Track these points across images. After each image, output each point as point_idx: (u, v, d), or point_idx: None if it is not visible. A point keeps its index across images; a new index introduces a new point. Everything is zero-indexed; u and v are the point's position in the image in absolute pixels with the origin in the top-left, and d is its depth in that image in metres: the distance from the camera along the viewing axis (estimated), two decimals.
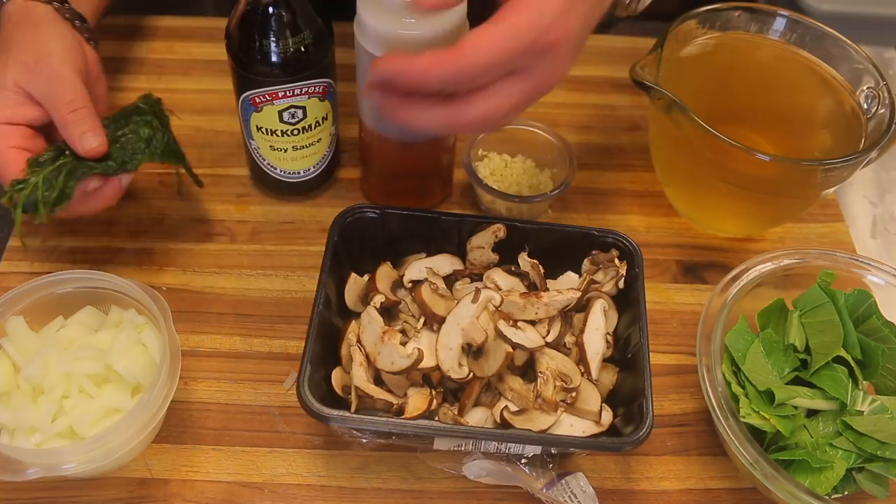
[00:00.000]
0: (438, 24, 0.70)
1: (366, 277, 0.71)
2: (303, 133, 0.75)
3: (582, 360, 0.66)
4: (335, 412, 0.60)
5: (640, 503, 0.67)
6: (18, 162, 0.65)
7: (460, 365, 0.64)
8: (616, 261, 0.70)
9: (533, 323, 0.67)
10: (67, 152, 0.66)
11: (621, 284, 0.70)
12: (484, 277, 0.71)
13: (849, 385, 0.64)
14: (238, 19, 0.70)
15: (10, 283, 0.74)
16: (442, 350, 0.64)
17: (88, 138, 0.64)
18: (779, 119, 0.83)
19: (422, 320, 0.67)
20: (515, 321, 0.66)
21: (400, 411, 0.62)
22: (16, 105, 0.66)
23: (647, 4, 0.62)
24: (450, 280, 0.72)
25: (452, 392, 0.67)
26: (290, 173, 0.79)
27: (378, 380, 0.65)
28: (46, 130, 0.69)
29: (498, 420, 0.63)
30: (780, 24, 0.82)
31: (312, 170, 0.80)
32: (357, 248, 0.71)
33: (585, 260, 0.72)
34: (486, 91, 0.56)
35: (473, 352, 0.65)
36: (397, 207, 0.71)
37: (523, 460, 0.66)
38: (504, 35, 0.53)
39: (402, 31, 0.70)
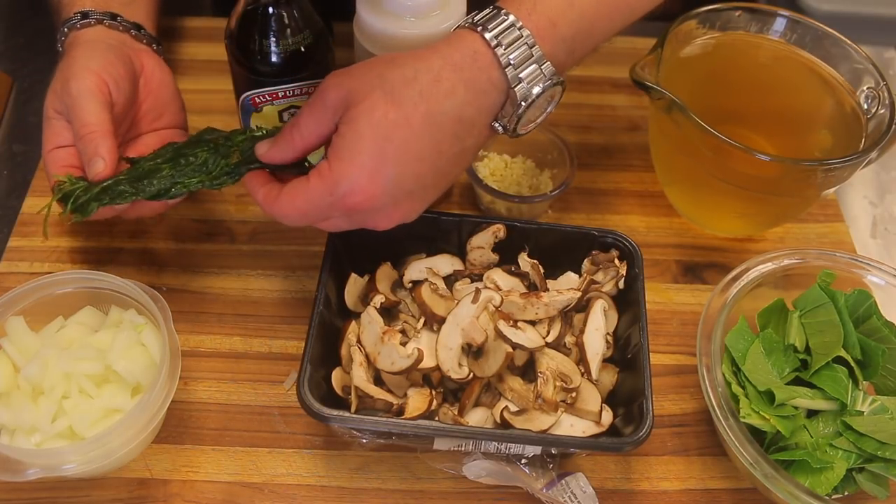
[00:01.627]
0: (438, 24, 0.71)
1: (366, 277, 0.71)
2: None
3: (582, 361, 0.66)
4: (335, 412, 0.60)
5: (639, 503, 0.67)
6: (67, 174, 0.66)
7: (460, 365, 0.64)
8: (616, 261, 0.70)
9: (533, 323, 0.67)
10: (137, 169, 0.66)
11: (621, 284, 0.70)
12: (484, 277, 0.71)
13: (849, 385, 0.64)
14: (238, 19, 0.70)
15: (10, 283, 0.74)
16: (442, 350, 0.64)
17: (94, 163, 0.64)
18: (779, 119, 0.83)
19: (422, 320, 0.68)
20: (515, 321, 0.66)
21: (400, 411, 0.62)
22: (62, 130, 0.67)
23: (530, 129, 0.64)
24: (450, 280, 0.72)
25: (452, 392, 0.67)
26: None
27: (378, 380, 0.65)
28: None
29: (498, 420, 0.63)
30: (780, 24, 0.82)
31: None
32: (357, 248, 0.71)
33: (585, 260, 0.72)
34: (321, 222, 0.62)
35: (473, 352, 0.65)
36: None
37: (523, 460, 0.66)
38: (304, 197, 0.60)
39: (402, 31, 0.70)
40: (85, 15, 0.72)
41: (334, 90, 0.59)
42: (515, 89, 0.59)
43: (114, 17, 0.73)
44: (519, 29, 0.58)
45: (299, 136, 0.61)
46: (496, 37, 0.58)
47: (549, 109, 0.63)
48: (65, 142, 0.67)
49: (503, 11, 0.59)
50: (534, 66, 0.59)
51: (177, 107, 0.75)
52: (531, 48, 0.59)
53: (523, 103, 0.59)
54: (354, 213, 0.60)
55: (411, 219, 0.63)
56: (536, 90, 0.59)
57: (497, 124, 0.62)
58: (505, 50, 0.58)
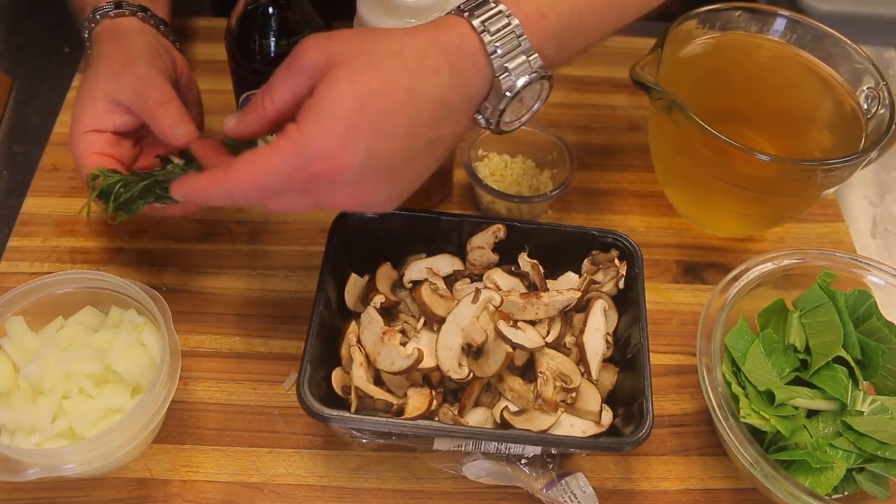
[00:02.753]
0: None
1: (366, 278, 0.71)
2: None
3: (582, 361, 0.66)
4: (335, 412, 0.60)
5: (639, 503, 0.67)
6: (98, 165, 0.67)
7: (460, 365, 0.64)
8: (616, 261, 0.70)
9: (533, 323, 0.67)
10: (168, 166, 0.66)
11: (621, 284, 0.70)
12: (484, 278, 0.71)
13: (849, 385, 0.64)
14: (238, 19, 0.70)
15: (10, 283, 0.74)
16: (442, 350, 0.64)
17: (178, 127, 0.64)
18: (779, 119, 0.83)
19: (422, 320, 0.68)
20: (515, 321, 0.66)
21: (400, 411, 0.62)
22: (104, 114, 0.67)
23: (517, 127, 0.61)
24: (450, 280, 0.72)
25: (452, 392, 0.67)
26: None
27: (378, 380, 0.65)
28: (135, 136, 0.71)
29: (498, 420, 0.63)
30: (780, 24, 0.82)
31: None
32: (357, 248, 0.71)
33: (585, 260, 0.72)
34: (276, 198, 0.57)
35: (473, 352, 0.65)
36: (397, 207, 0.71)
37: (523, 460, 0.66)
38: (265, 163, 0.54)
39: None
40: (118, 4, 0.72)
41: (314, 52, 0.56)
42: (500, 79, 0.57)
43: (144, 9, 0.74)
44: (507, 17, 0.57)
45: (270, 103, 0.57)
46: (483, 23, 0.57)
47: (535, 107, 0.62)
48: (102, 126, 0.67)
49: (492, 0, 0.58)
50: (521, 56, 0.57)
51: (199, 108, 0.76)
52: (519, 38, 0.57)
53: (508, 94, 0.57)
54: (316, 183, 0.55)
55: (371, 206, 0.59)
56: (522, 81, 0.57)
57: (480, 116, 0.59)
58: (492, 37, 0.56)
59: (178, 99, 0.67)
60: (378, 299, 0.68)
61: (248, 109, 0.58)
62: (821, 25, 0.80)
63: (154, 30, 0.74)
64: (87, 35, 0.74)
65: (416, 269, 0.71)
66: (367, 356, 0.65)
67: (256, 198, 0.57)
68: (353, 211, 0.59)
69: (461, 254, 0.73)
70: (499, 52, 0.57)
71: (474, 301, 0.65)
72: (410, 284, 0.71)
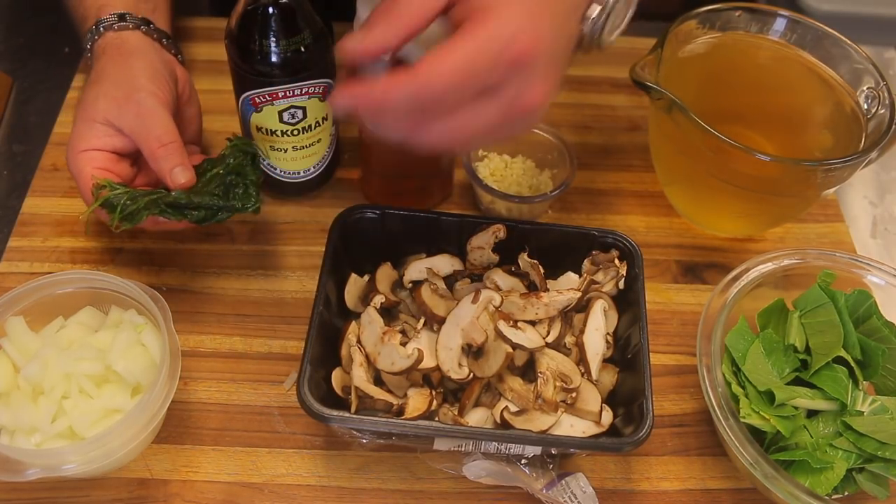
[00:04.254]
0: (438, 22, 0.70)
1: (366, 278, 0.71)
2: (303, 133, 0.75)
3: (582, 361, 0.67)
4: (335, 412, 0.60)
5: (639, 503, 0.67)
6: (103, 178, 0.68)
7: (460, 365, 0.64)
8: (616, 261, 0.70)
9: (533, 323, 0.67)
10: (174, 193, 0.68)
11: (621, 285, 0.70)
12: (484, 278, 0.71)
13: (849, 385, 0.64)
14: (238, 19, 0.70)
15: (10, 283, 0.74)
16: (442, 350, 0.64)
17: (177, 174, 0.66)
18: (779, 119, 0.83)
19: (422, 320, 0.68)
20: (515, 321, 0.66)
21: (400, 412, 0.62)
22: (104, 136, 0.69)
23: (611, 41, 0.62)
24: (450, 280, 0.72)
25: (452, 392, 0.67)
26: (290, 173, 0.79)
27: (378, 380, 0.65)
28: (133, 156, 0.72)
29: (498, 420, 0.63)
30: (780, 24, 0.82)
31: (312, 170, 0.80)
32: (357, 248, 0.71)
33: (585, 260, 0.72)
34: (455, 112, 0.52)
35: (473, 352, 0.65)
36: (397, 208, 0.71)
37: (523, 461, 0.66)
38: (464, 50, 0.50)
39: None
40: (122, 17, 0.73)
41: None
42: None
43: (147, 22, 0.74)
44: None
45: (406, 8, 0.51)
46: None
47: (629, 14, 0.62)
48: (102, 147, 0.68)
49: None
50: None
51: (198, 125, 0.77)
52: None
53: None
54: (518, 69, 0.51)
55: (546, 101, 0.54)
56: None
57: (586, 24, 0.59)
58: None
59: (180, 139, 0.68)
60: (378, 299, 0.68)
61: (373, 22, 0.51)
62: (821, 25, 0.80)
63: (157, 44, 0.74)
64: (89, 46, 0.74)
65: (416, 269, 0.71)
66: (367, 356, 0.65)
67: (453, 97, 0.51)
68: (535, 115, 0.54)
69: (461, 254, 0.73)
70: None
71: (474, 301, 0.65)
72: (410, 284, 0.71)
